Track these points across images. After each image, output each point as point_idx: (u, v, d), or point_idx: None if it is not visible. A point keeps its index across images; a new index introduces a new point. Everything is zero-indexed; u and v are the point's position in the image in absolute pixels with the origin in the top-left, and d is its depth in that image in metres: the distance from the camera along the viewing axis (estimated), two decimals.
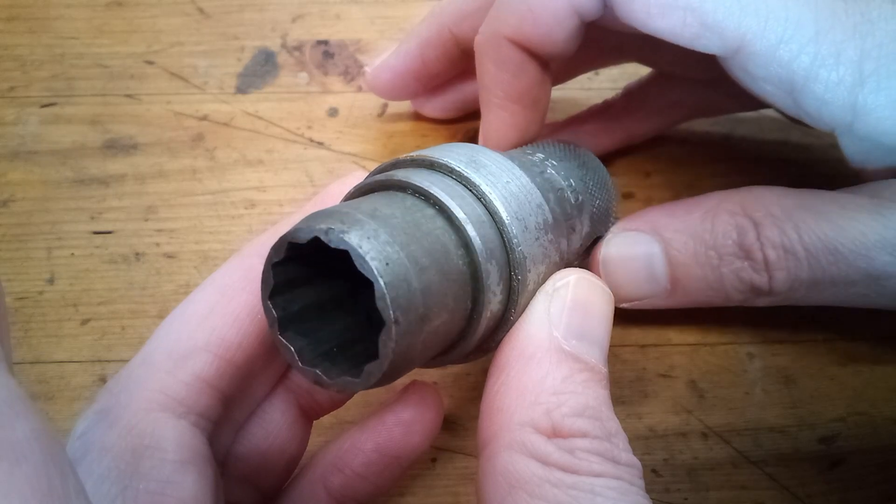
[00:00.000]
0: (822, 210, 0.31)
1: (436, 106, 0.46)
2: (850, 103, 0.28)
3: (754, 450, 0.37)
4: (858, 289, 0.31)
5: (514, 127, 0.36)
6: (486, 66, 0.35)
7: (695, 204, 0.34)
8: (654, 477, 0.37)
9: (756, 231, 0.31)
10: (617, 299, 0.32)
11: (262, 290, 0.24)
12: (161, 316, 0.41)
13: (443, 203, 0.25)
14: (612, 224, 0.35)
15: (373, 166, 0.46)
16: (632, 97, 0.45)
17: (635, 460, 0.25)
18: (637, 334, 0.41)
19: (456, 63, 0.43)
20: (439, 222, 0.25)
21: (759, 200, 0.32)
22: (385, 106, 0.49)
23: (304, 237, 0.23)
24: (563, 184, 0.31)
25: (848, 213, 0.31)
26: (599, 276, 0.33)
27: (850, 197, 0.32)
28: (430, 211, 0.25)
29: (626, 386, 0.39)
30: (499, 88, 0.35)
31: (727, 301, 0.34)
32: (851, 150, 0.33)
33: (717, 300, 0.34)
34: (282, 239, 0.23)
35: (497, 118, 0.36)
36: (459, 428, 0.38)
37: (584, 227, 0.32)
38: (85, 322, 0.41)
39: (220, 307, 0.28)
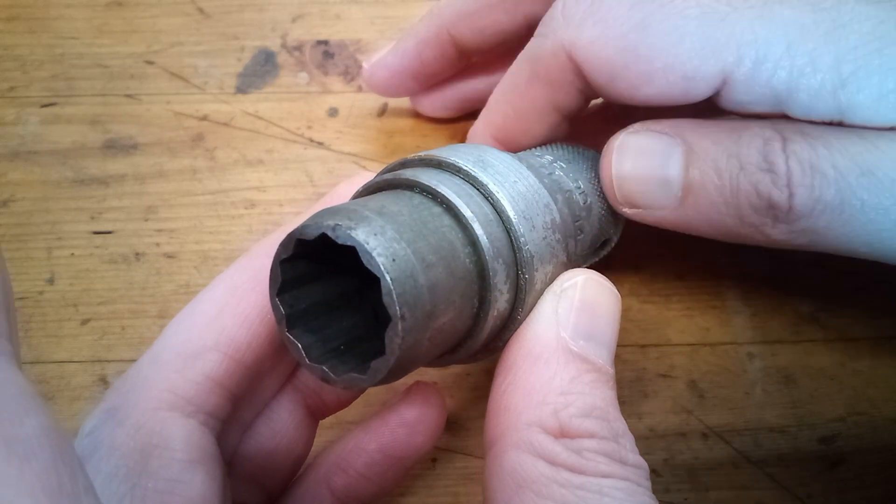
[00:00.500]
0: (860, 132, 0.28)
1: (434, 104, 0.46)
2: (835, 107, 0.28)
3: (754, 450, 0.38)
4: (890, 218, 0.28)
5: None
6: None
7: (726, 121, 0.31)
8: (655, 477, 0.37)
9: (783, 143, 0.29)
10: (621, 199, 0.31)
11: (269, 286, 0.24)
12: (161, 316, 0.41)
13: (450, 201, 0.25)
14: (621, 226, 0.35)
15: (373, 166, 0.46)
16: None
17: (642, 461, 0.25)
18: (637, 334, 0.41)
19: (454, 63, 0.43)
20: (446, 220, 0.25)
21: (794, 123, 0.30)
22: (385, 106, 0.49)
23: (312, 233, 0.23)
24: (572, 185, 0.31)
25: (887, 138, 0.28)
26: (611, 165, 0.32)
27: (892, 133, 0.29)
28: (438, 209, 0.25)
29: (626, 386, 0.39)
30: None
31: (740, 223, 0.30)
32: None
33: (729, 221, 0.30)
34: (290, 235, 0.23)
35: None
36: (460, 428, 0.38)
37: (592, 229, 0.32)
38: (85, 322, 0.41)
39: (230, 307, 0.28)
